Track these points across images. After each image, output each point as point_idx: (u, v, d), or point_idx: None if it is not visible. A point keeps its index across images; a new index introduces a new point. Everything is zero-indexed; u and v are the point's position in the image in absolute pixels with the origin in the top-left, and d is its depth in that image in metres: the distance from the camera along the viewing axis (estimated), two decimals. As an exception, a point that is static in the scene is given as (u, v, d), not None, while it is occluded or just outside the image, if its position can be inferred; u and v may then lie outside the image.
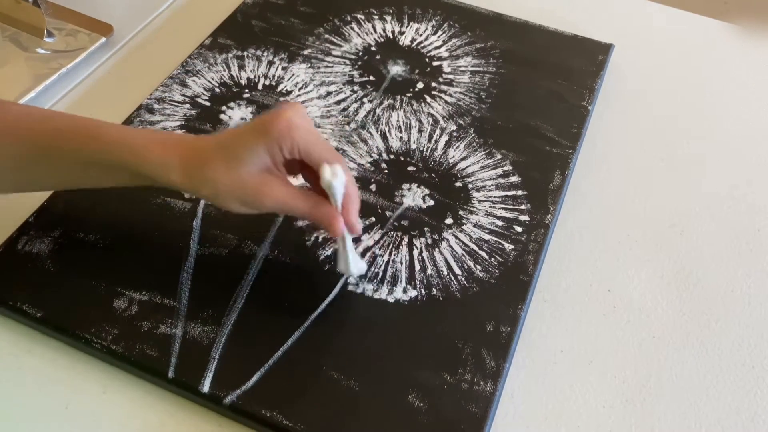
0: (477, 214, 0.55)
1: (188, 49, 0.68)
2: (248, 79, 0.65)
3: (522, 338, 0.50)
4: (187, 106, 0.62)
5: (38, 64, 0.66)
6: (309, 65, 0.67)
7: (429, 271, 0.52)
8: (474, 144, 0.61)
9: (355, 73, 0.66)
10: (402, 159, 0.59)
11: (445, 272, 0.52)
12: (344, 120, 0.62)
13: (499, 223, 0.55)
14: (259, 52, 0.67)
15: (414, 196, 0.56)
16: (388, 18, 0.72)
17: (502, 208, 0.56)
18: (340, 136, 0.61)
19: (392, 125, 0.62)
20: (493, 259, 0.53)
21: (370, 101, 0.64)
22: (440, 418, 0.44)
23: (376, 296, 0.50)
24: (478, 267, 0.52)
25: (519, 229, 0.55)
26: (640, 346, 0.50)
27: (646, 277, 0.54)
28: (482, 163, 0.59)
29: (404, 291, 0.50)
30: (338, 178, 0.43)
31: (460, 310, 0.50)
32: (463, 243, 0.54)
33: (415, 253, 0.53)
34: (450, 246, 0.53)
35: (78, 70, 0.67)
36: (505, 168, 0.59)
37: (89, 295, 0.49)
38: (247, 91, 0.64)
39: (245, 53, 0.67)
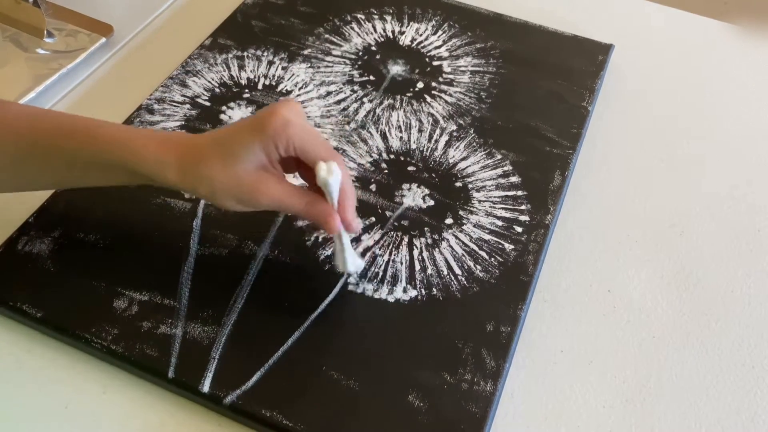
0: (477, 214, 0.55)
1: (188, 49, 0.68)
2: (248, 79, 0.65)
3: (522, 338, 0.50)
4: (187, 106, 0.62)
5: (38, 65, 0.66)
6: (309, 65, 0.67)
7: (429, 271, 0.52)
8: (474, 144, 0.61)
9: (355, 72, 0.66)
10: (402, 159, 0.59)
11: (445, 272, 0.52)
12: (344, 120, 0.62)
13: (499, 223, 0.55)
14: (259, 52, 0.67)
15: (414, 196, 0.56)
16: (388, 18, 0.72)
17: (502, 208, 0.56)
18: (340, 135, 0.61)
19: (392, 125, 0.62)
20: (493, 259, 0.53)
21: (370, 101, 0.64)
22: (440, 418, 0.44)
23: (376, 296, 0.50)
24: (478, 267, 0.52)
25: (519, 229, 0.55)
26: (640, 346, 0.50)
27: (646, 277, 0.54)
28: (482, 163, 0.59)
29: (404, 291, 0.50)
30: (334, 176, 0.43)
31: (460, 310, 0.50)
32: (463, 243, 0.54)
33: (415, 253, 0.53)
34: (450, 246, 0.53)
35: (78, 70, 0.67)
36: (505, 168, 0.59)
37: (89, 295, 0.49)
38: (247, 91, 0.64)
39: (245, 53, 0.67)
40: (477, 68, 0.67)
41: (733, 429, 0.47)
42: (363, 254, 0.52)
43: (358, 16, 0.72)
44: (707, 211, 0.59)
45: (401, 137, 0.61)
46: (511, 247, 0.53)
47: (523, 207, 0.56)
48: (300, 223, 0.54)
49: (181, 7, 0.75)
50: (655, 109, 0.67)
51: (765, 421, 0.47)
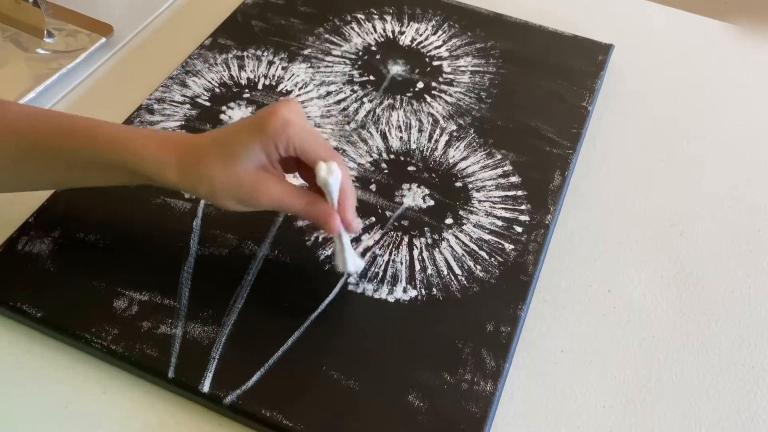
0: (477, 214, 0.55)
1: (188, 49, 0.68)
2: (248, 79, 0.65)
3: (522, 338, 0.50)
4: (187, 106, 0.62)
5: (38, 65, 0.66)
6: (309, 65, 0.67)
7: (429, 271, 0.52)
8: (474, 144, 0.61)
9: (355, 72, 0.66)
10: (402, 159, 0.59)
11: (445, 272, 0.52)
12: (344, 120, 0.62)
13: (499, 223, 0.55)
14: (259, 52, 0.67)
15: (414, 196, 0.56)
16: (388, 18, 0.72)
17: (502, 208, 0.56)
18: (340, 135, 0.61)
19: (392, 125, 0.62)
20: (493, 259, 0.53)
21: (370, 101, 0.64)
22: (440, 418, 0.44)
23: (376, 296, 0.50)
24: (478, 267, 0.52)
25: (519, 229, 0.55)
26: (640, 346, 0.50)
27: (646, 277, 0.54)
28: (482, 163, 0.59)
29: (404, 291, 0.50)
30: (334, 176, 0.43)
31: (460, 310, 0.50)
32: (463, 243, 0.54)
33: (415, 253, 0.53)
34: (450, 246, 0.53)
35: (78, 70, 0.67)
36: (505, 168, 0.59)
37: (89, 295, 0.49)
38: (247, 91, 0.64)
39: (245, 53, 0.67)
40: (477, 68, 0.67)
41: (733, 429, 0.47)
42: (363, 254, 0.52)
43: (358, 16, 0.72)
44: (707, 211, 0.59)
45: (401, 137, 0.61)
46: (511, 247, 0.53)
47: (523, 207, 0.56)
48: (300, 223, 0.54)
49: (181, 7, 0.75)
50: (655, 109, 0.67)
51: (765, 421, 0.47)
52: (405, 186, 0.57)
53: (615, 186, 0.60)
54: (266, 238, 0.53)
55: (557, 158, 0.60)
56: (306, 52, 0.68)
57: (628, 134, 0.65)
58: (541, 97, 0.65)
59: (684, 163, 0.62)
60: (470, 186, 0.57)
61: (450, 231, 0.54)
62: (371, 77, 0.66)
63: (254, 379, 0.45)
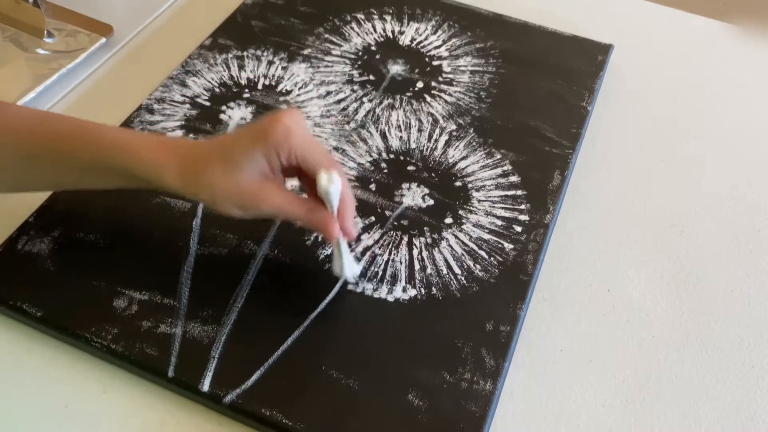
0: (476, 214, 0.56)
1: (188, 49, 0.68)
2: (248, 79, 0.65)
3: (522, 338, 0.50)
4: (187, 106, 0.62)
5: (38, 65, 0.66)
6: (309, 65, 0.67)
7: (429, 271, 0.52)
8: (474, 144, 0.61)
9: (355, 72, 0.66)
10: (402, 158, 0.59)
11: (445, 272, 0.52)
12: (344, 119, 0.62)
13: (499, 222, 0.55)
14: (258, 52, 0.67)
15: (414, 196, 0.56)
16: (388, 18, 0.72)
17: (502, 208, 0.56)
18: (339, 135, 0.61)
19: (392, 125, 0.62)
20: (492, 258, 0.53)
21: (370, 101, 0.64)
22: (440, 417, 0.44)
23: (375, 295, 0.50)
24: (478, 266, 0.52)
25: (518, 228, 0.55)
26: (639, 346, 0.50)
27: (646, 277, 0.54)
28: (482, 162, 0.59)
29: (404, 290, 0.50)
30: (335, 185, 0.44)
31: (460, 309, 0.50)
32: (463, 242, 0.54)
33: (415, 252, 0.53)
34: (449, 245, 0.53)
35: (78, 70, 0.67)
36: (505, 168, 0.59)
37: (89, 294, 0.49)
38: (247, 91, 0.64)
39: (245, 53, 0.67)
40: (477, 68, 0.68)
41: (733, 429, 0.47)
42: (362, 253, 0.52)
43: (358, 16, 0.72)
44: (707, 211, 0.59)
45: (401, 137, 0.61)
46: (511, 246, 0.53)
47: (522, 206, 0.56)
48: (300, 223, 0.54)
49: (181, 7, 0.75)
50: (655, 109, 0.67)
51: (765, 420, 0.47)
52: (404, 185, 0.57)
53: (615, 186, 0.60)
54: (266, 238, 0.53)
55: (557, 158, 0.60)
56: (306, 52, 0.68)
57: (627, 134, 0.65)
58: (541, 97, 0.65)
59: (684, 163, 0.62)
60: (470, 185, 0.58)
61: (449, 230, 0.54)
62: (371, 77, 0.66)
63: (254, 378, 0.45)
